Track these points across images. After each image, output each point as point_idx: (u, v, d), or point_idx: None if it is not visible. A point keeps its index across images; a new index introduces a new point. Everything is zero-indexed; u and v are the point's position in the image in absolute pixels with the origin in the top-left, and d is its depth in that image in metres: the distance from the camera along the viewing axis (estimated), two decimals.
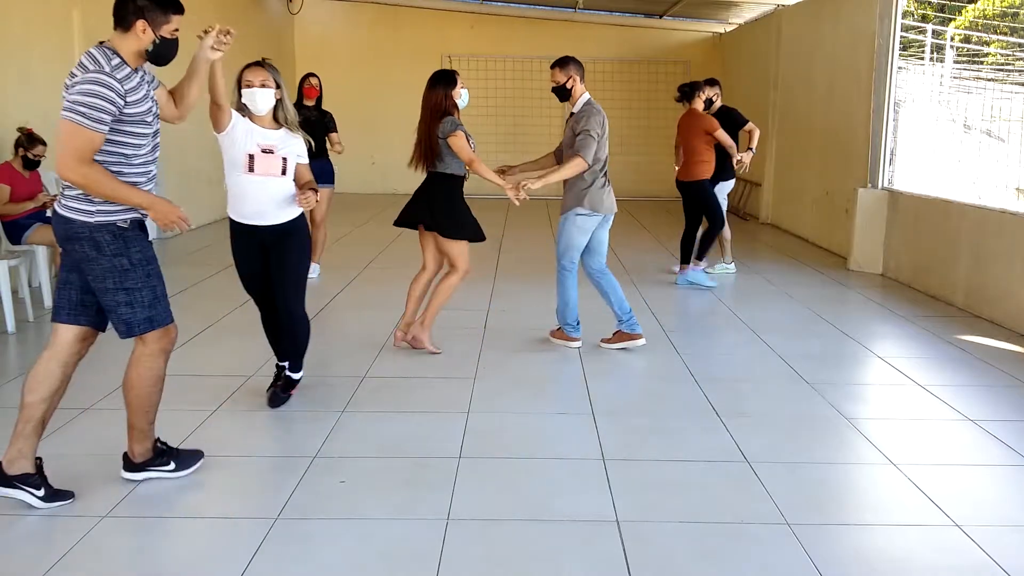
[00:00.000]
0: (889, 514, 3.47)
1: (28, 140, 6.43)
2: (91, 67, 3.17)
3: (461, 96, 5.18)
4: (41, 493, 3.33)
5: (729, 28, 15.09)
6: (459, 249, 5.32)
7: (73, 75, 3.21)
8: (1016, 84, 9.40)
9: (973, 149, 8.75)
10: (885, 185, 8.70)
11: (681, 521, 3.31)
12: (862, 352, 5.83)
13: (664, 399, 4.76)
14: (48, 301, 6.50)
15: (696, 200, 7.77)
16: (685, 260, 7.87)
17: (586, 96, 5.40)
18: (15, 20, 7.26)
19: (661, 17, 15.17)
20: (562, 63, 5.39)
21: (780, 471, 3.78)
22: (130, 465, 3.59)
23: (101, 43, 3.29)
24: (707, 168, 7.61)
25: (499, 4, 15.32)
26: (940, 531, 3.28)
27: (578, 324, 5.65)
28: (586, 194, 5.36)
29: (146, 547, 3.09)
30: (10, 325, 5.83)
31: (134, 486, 3.51)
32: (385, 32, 15.16)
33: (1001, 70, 10.08)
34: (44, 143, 6.50)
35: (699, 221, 7.86)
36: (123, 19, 3.26)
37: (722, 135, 7.49)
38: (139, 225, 3.40)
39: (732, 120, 7.88)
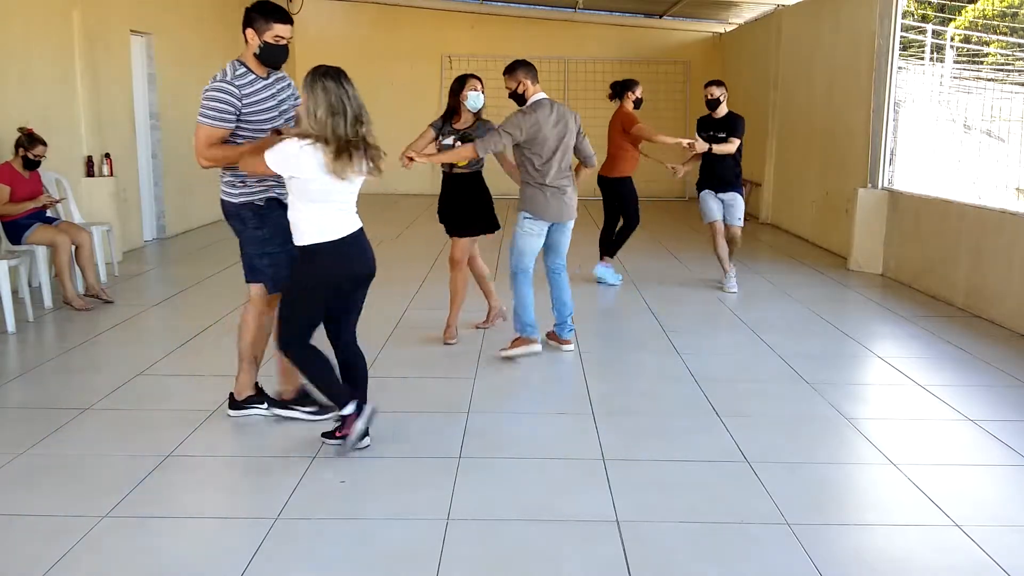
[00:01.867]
0: (889, 514, 3.47)
1: (28, 140, 6.42)
2: (219, 77, 3.83)
3: (468, 98, 5.54)
4: (265, 406, 4.25)
5: (729, 28, 15.07)
6: None
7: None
8: (1016, 84, 9.41)
9: (973, 149, 8.75)
10: (885, 185, 8.70)
11: (681, 521, 3.31)
12: (862, 352, 5.83)
13: (664, 399, 4.76)
14: (48, 301, 6.50)
15: (617, 196, 8.00)
16: (606, 254, 8.01)
17: (536, 96, 5.25)
18: (15, 20, 7.25)
19: (661, 17, 15.16)
20: (510, 70, 5.34)
21: (780, 471, 3.78)
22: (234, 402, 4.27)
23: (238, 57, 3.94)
24: (630, 165, 7.93)
25: (499, 4, 15.30)
26: (940, 531, 3.28)
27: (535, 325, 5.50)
28: (526, 198, 5.30)
29: (146, 547, 3.09)
30: (10, 325, 5.82)
31: (133, 486, 3.52)
32: (385, 32, 15.15)
33: (1001, 70, 10.09)
34: (44, 143, 6.49)
35: (618, 218, 8.06)
36: (243, 31, 3.86)
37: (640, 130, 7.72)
38: (277, 203, 3.96)
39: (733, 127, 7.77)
